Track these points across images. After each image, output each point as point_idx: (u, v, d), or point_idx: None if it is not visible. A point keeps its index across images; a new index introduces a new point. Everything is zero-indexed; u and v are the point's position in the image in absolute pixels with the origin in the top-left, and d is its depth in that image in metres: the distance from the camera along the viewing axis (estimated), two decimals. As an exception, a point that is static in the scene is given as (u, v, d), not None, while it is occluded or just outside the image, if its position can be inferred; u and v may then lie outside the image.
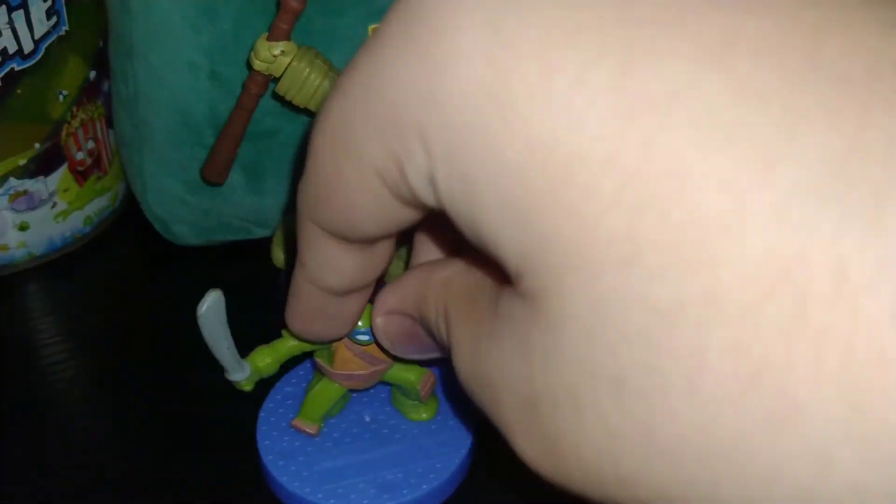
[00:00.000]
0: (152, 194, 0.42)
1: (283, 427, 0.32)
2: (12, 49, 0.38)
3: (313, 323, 0.26)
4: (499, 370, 0.17)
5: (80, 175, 0.44)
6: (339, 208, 0.19)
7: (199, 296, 0.28)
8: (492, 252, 0.16)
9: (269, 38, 0.34)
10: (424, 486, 0.30)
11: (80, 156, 0.43)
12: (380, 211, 0.18)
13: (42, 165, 0.42)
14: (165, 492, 0.32)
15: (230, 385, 0.31)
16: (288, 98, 0.34)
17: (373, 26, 0.37)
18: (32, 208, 0.42)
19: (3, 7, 0.37)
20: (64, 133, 0.42)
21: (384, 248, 0.22)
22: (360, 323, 0.28)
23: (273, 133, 0.38)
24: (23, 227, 0.42)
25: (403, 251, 0.38)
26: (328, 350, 0.31)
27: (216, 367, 0.30)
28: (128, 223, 0.36)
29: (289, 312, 0.25)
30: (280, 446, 0.32)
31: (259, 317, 0.41)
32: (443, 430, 0.33)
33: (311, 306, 0.24)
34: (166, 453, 0.34)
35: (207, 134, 0.38)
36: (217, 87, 0.36)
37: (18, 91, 0.39)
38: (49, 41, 0.39)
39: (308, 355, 0.32)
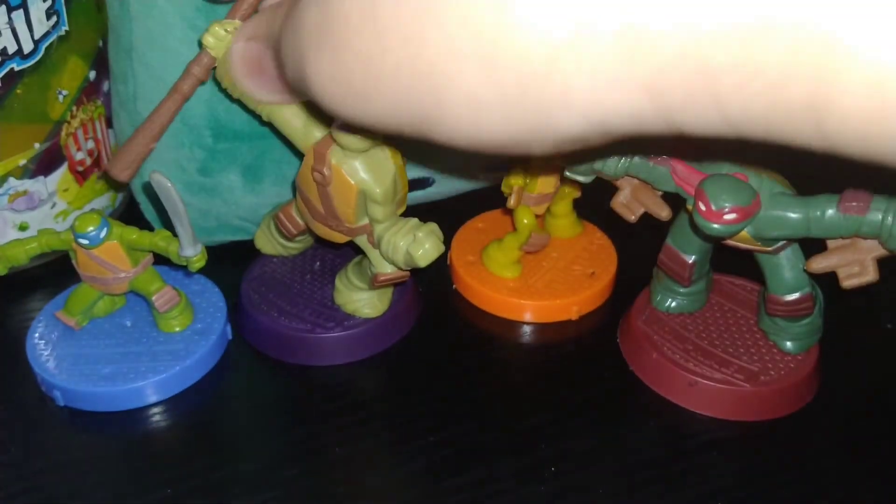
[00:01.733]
0: (151, 194, 0.42)
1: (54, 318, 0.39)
2: (12, 49, 0.38)
3: None
4: (300, 21, 0.21)
5: (80, 175, 0.44)
6: None
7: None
8: None
9: (227, 16, 0.33)
10: (139, 382, 0.36)
11: (79, 156, 0.43)
12: None
13: (42, 165, 0.42)
14: (167, 487, 0.33)
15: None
16: (223, 85, 0.34)
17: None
18: (32, 208, 0.42)
19: (3, 7, 0.37)
20: (64, 133, 0.42)
21: None
22: (89, 228, 0.34)
23: (271, 133, 0.38)
24: (22, 228, 0.42)
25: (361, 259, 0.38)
26: (75, 253, 0.36)
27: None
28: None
29: None
30: (44, 332, 0.38)
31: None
32: (181, 342, 0.38)
33: None
34: (169, 452, 0.34)
35: (206, 135, 0.38)
36: (215, 87, 0.36)
37: (18, 91, 0.39)
38: (49, 41, 0.39)
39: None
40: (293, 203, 0.37)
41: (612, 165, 0.34)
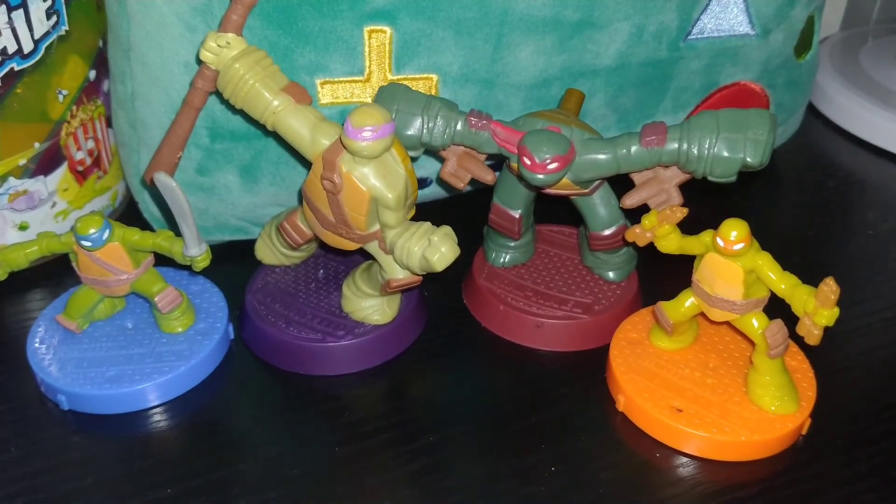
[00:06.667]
0: (149, 194, 0.42)
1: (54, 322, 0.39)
2: (12, 49, 0.38)
3: None
4: None
5: (80, 174, 0.44)
6: None
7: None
8: None
9: (219, 29, 0.33)
10: (145, 384, 0.36)
11: (79, 155, 0.43)
12: None
13: (42, 165, 0.42)
14: (167, 487, 0.33)
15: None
16: (225, 97, 0.34)
17: (368, 28, 0.37)
18: (32, 208, 0.42)
19: (3, 7, 0.37)
20: (64, 133, 0.42)
21: None
22: (91, 230, 0.34)
23: (268, 134, 0.38)
24: (23, 227, 0.42)
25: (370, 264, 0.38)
26: (76, 256, 0.36)
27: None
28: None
29: None
30: (44, 336, 0.38)
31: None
32: (184, 342, 0.38)
33: None
34: (169, 452, 0.34)
35: (203, 135, 0.38)
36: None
37: (18, 90, 0.39)
38: (49, 41, 0.39)
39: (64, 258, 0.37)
40: (297, 212, 0.37)
41: (438, 136, 0.36)
